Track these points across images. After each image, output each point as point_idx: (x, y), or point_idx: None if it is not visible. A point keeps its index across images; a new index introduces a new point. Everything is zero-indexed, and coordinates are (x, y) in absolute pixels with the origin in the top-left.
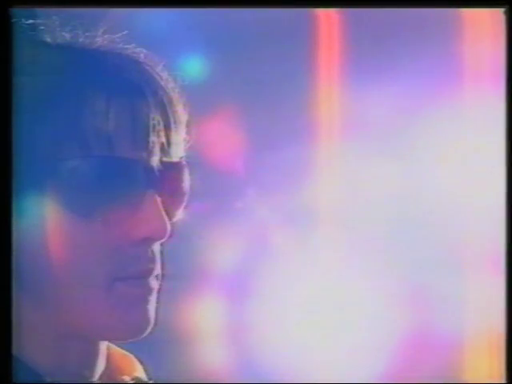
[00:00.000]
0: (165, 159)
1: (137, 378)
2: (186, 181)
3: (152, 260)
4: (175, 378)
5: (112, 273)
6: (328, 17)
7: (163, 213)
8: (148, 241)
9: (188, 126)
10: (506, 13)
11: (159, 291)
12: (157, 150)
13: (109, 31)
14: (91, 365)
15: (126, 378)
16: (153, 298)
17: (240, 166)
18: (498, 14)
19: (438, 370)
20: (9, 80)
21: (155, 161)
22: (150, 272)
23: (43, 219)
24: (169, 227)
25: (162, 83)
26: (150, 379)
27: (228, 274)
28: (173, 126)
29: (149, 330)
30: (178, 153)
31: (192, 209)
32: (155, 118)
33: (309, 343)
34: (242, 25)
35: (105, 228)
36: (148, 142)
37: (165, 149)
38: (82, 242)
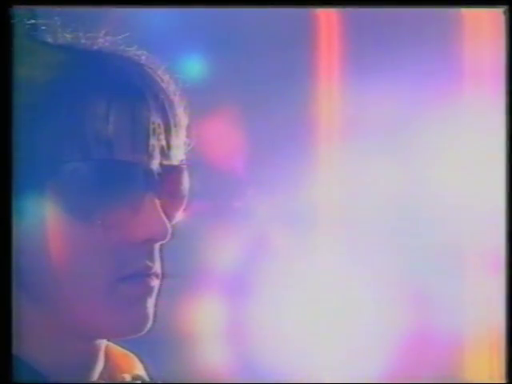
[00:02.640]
0: (165, 162)
1: (137, 376)
2: (186, 184)
3: (152, 260)
4: (175, 376)
5: (112, 274)
6: (328, 17)
7: (163, 215)
8: (148, 242)
9: (188, 129)
10: (505, 13)
11: (159, 291)
12: (157, 153)
13: (110, 33)
14: (91, 363)
15: (126, 376)
16: (152, 297)
17: (240, 166)
18: (498, 14)
19: (438, 369)
20: (9, 80)
21: (155, 164)
22: (149, 271)
23: (43, 221)
24: (170, 228)
25: (164, 86)
26: (149, 378)
27: (228, 274)
28: (173, 129)
29: (148, 327)
30: (178, 156)
31: (192, 209)
32: (155, 121)
33: (309, 343)
34: (241, 25)
35: (104, 230)
36: (148, 145)
37: (165, 152)
38: (82, 244)
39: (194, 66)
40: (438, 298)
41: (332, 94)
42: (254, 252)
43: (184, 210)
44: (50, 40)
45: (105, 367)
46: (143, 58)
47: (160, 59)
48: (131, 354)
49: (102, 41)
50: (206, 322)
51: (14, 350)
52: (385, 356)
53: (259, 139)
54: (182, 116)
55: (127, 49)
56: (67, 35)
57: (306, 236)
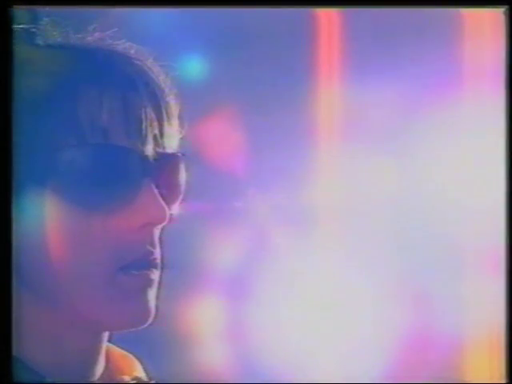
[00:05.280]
0: (159, 150)
1: (137, 378)
2: (182, 173)
3: (152, 245)
4: (175, 377)
5: (114, 262)
6: (328, 17)
7: (160, 198)
8: (148, 227)
9: (180, 118)
10: (505, 13)
11: (159, 289)
12: (150, 139)
13: (100, 29)
14: (91, 364)
15: (126, 378)
16: (154, 289)
17: (240, 166)
18: (498, 15)
19: (438, 370)
20: (8, 78)
21: (150, 150)
22: (151, 258)
23: (43, 211)
24: (167, 211)
25: (153, 76)
26: (149, 379)
27: (228, 274)
28: (165, 117)
29: (150, 319)
30: (171, 144)
31: (192, 208)
32: (147, 109)
33: (309, 343)
34: (241, 25)
35: (105, 217)
36: (141, 131)
37: (158, 140)
38: (83, 232)
39: (194, 65)
40: (438, 299)
41: (332, 93)
42: (253, 252)
43: (181, 202)
44: (40, 40)
45: (105, 369)
46: (132, 51)
47: (160, 59)
48: (131, 356)
49: (92, 37)
50: (205, 322)
51: (14, 351)
52: (385, 356)
53: (259, 139)
54: (173, 104)
55: (116, 43)
56: (57, 34)
57: (305, 236)
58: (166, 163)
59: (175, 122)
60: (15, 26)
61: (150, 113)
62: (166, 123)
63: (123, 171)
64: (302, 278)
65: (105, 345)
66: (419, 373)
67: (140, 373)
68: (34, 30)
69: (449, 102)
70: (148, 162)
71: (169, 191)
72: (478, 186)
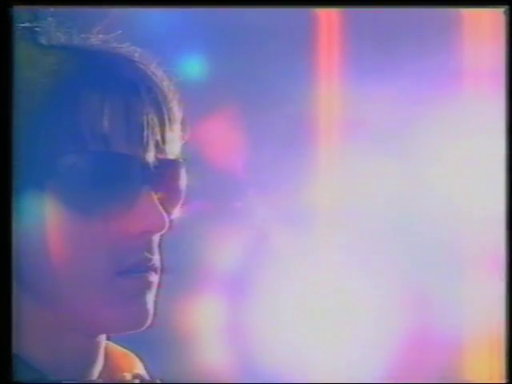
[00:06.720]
0: (160, 156)
1: (137, 376)
2: (183, 179)
3: (151, 252)
4: (175, 377)
5: (112, 267)
6: (328, 17)
7: (159, 206)
8: (147, 234)
9: (183, 123)
10: (505, 13)
11: (159, 290)
12: (152, 146)
13: (104, 31)
14: (91, 362)
15: (126, 376)
16: (152, 291)
17: (240, 166)
18: (498, 15)
19: (438, 370)
20: (8, 80)
21: (151, 157)
22: (149, 263)
23: (43, 216)
24: (167, 220)
25: (157, 81)
26: (150, 377)
27: (228, 274)
28: (167, 123)
29: (148, 322)
30: (173, 150)
31: (192, 208)
32: (149, 115)
33: (309, 343)
34: (241, 25)
35: (103, 223)
36: (143, 138)
37: (160, 146)
38: (82, 237)
39: (194, 65)
40: (438, 299)
41: (332, 93)
42: (253, 252)
43: (182, 205)
44: (44, 41)
45: (105, 367)
46: (136, 54)
47: (154, 55)
48: (131, 354)
49: (96, 39)
50: (205, 322)
51: (14, 349)
52: (385, 356)
53: (259, 139)
54: (176, 110)
55: (120, 46)
56: (61, 35)
57: (305, 236)
58: (166, 169)
59: (177, 128)
60: (18, 25)
61: (153, 119)
62: (168, 129)
63: (123, 178)
64: (301, 278)
65: (103, 344)
66: (419, 373)
67: (140, 371)
68: (37, 29)
69: (449, 102)
70: (148, 169)
71: (169, 197)
72: (477, 187)
